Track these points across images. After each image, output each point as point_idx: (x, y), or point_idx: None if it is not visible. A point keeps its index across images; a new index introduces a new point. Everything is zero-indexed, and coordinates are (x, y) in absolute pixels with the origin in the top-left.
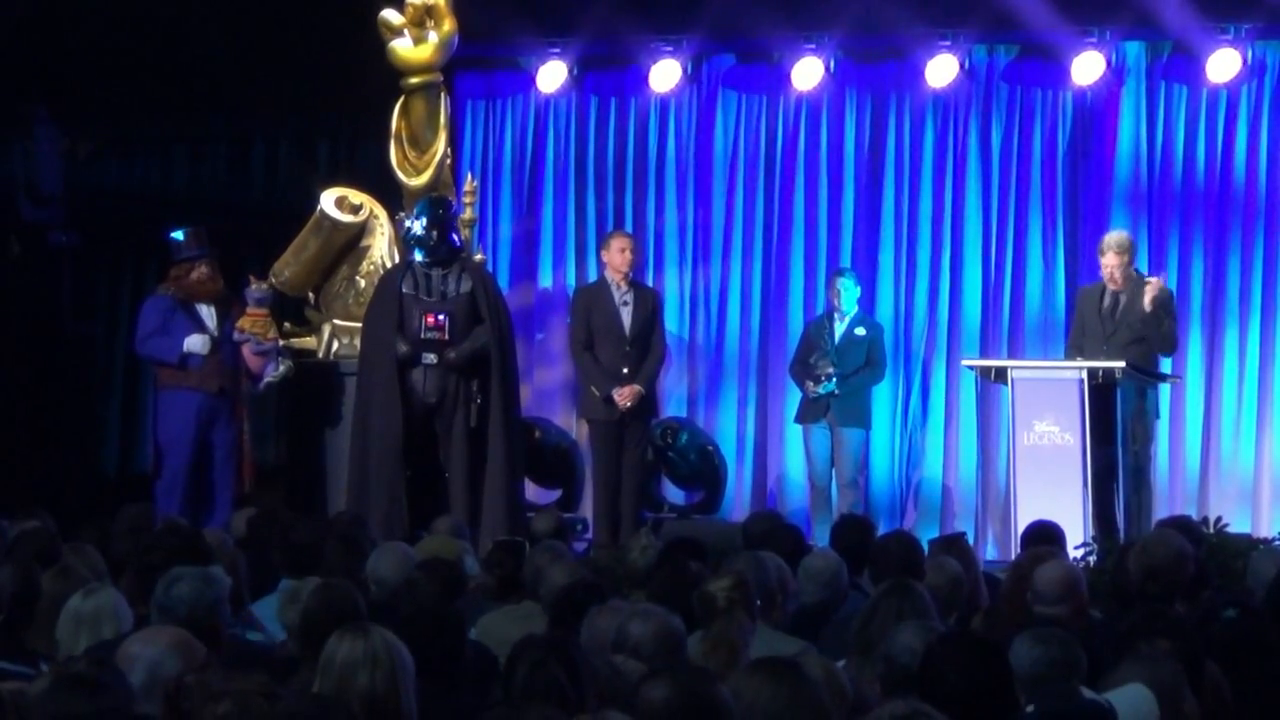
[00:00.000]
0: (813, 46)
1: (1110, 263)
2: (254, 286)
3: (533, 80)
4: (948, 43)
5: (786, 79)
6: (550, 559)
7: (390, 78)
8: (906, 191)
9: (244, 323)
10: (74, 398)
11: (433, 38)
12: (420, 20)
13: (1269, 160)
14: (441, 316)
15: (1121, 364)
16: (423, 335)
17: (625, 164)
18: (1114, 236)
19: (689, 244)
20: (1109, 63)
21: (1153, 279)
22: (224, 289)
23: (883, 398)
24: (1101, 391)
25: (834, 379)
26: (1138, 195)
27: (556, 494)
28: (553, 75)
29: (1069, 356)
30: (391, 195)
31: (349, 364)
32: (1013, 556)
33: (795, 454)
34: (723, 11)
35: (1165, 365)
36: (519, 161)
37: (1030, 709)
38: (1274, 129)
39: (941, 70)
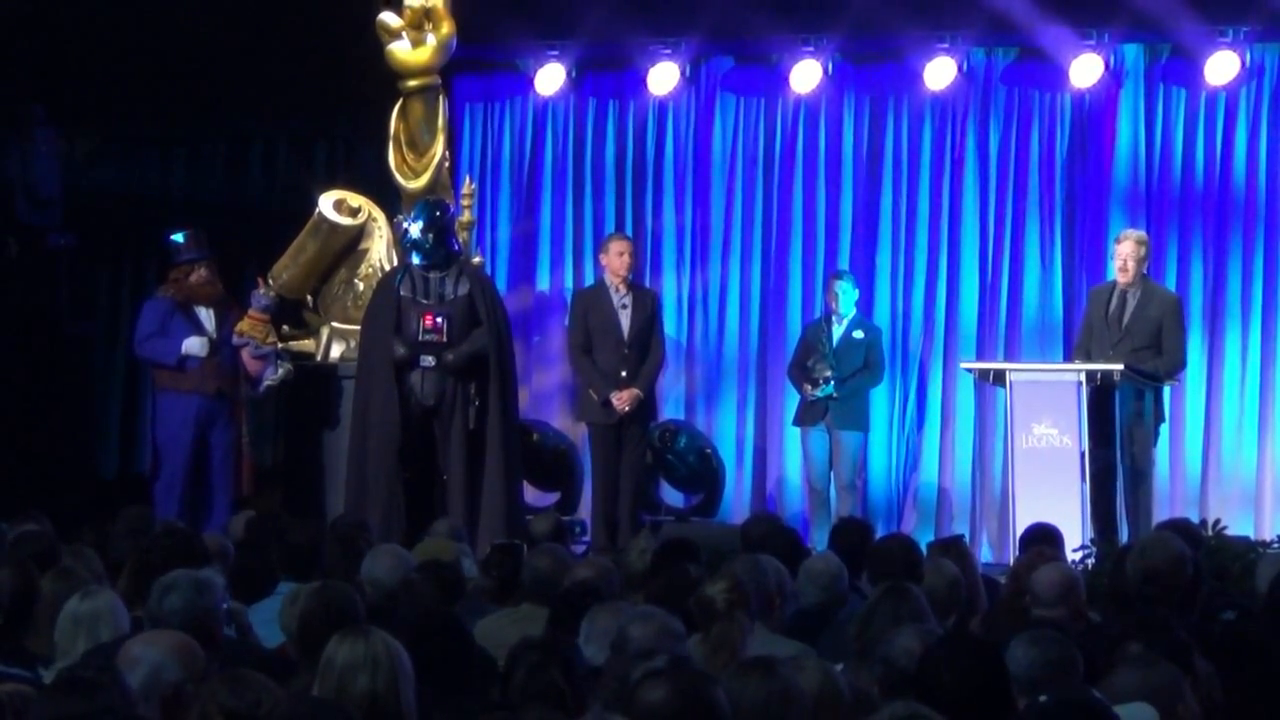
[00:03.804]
0: (811, 49)
1: (1125, 251)
2: (261, 291)
3: (531, 83)
4: (946, 45)
5: (785, 81)
6: (554, 561)
7: (388, 80)
8: (905, 194)
9: (243, 326)
10: (72, 399)
11: (431, 40)
12: (418, 23)
13: (1268, 162)
14: (439, 319)
15: (1120, 366)
16: (420, 337)
17: (624, 166)
18: (1134, 230)
19: (687, 246)
20: (1107, 65)
21: None
22: (223, 292)
23: (880, 400)
24: (1100, 394)
25: (832, 382)
26: (1136, 198)
27: (555, 497)
28: (551, 78)
29: (1075, 359)
30: (390, 198)
31: (347, 366)
32: (1010, 559)
33: (794, 457)
34: (721, 14)
35: None
36: (517, 164)
37: (1042, 698)
38: (1273, 131)
39: (940, 73)
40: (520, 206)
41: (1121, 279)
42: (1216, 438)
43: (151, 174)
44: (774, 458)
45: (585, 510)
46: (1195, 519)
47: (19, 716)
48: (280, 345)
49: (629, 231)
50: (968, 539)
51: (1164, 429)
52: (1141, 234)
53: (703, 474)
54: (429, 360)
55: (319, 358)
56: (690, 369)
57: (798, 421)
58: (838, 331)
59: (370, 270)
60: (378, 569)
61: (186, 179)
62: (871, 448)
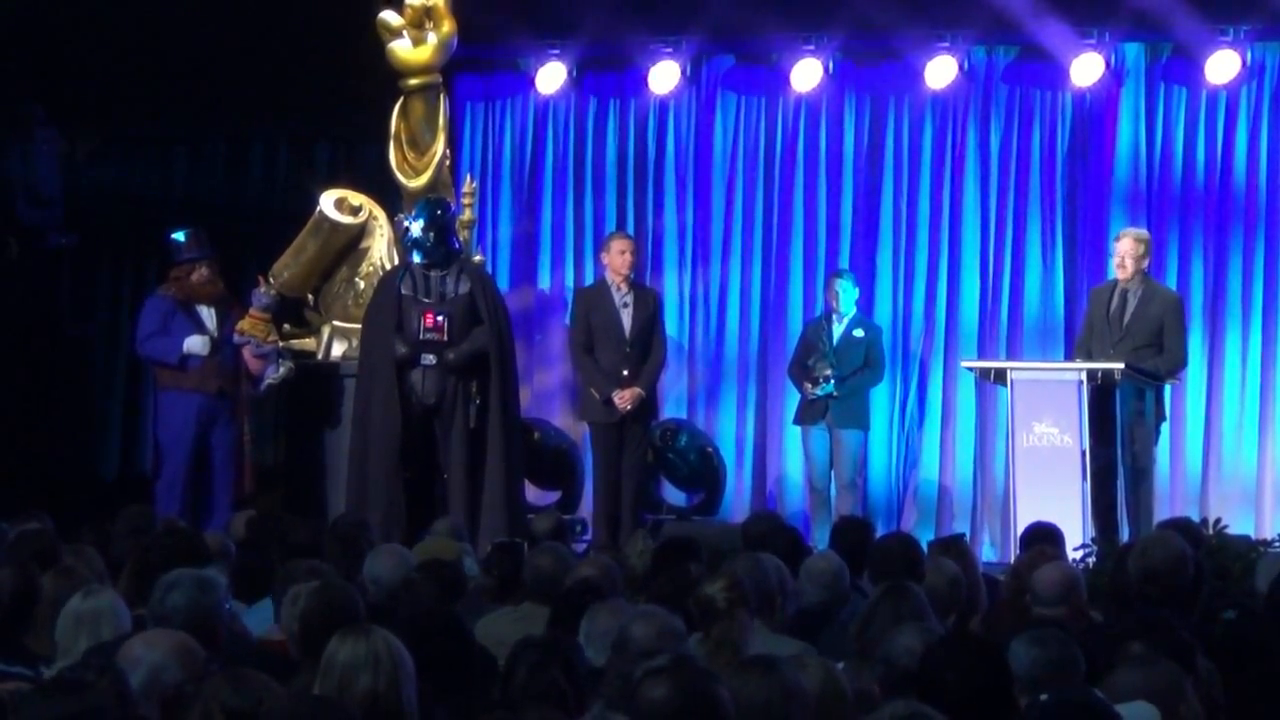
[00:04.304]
0: (811, 48)
1: (1124, 248)
2: (262, 289)
3: (532, 82)
4: (946, 44)
5: (785, 80)
6: (555, 559)
7: (389, 79)
8: (905, 193)
9: (244, 325)
10: (73, 399)
11: (432, 39)
12: (419, 22)
13: (1269, 162)
14: (440, 317)
15: (1121, 365)
16: (421, 336)
17: (625, 165)
18: (1133, 228)
19: (688, 245)
20: (1108, 64)
21: None
22: (224, 291)
23: (881, 399)
24: (1101, 393)
25: (832, 381)
26: (1137, 197)
27: (556, 495)
28: (552, 77)
29: (1076, 358)
30: (391, 197)
31: (348, 365)
32: (1011, 558)
33: (794, 455)
34: (722, 13)
35: None
36: (518, 163)
37: (1043, 697)
38: (1274, 130)
39: (940, 72)
40: (521, 205)
41: (1120, 275)
42: (1217, 437)
43: (152, 174)
44: (774, 456)
45: (586, 509)
46: (1196, 518)
47: (19, 716)
48: (281, 344)
49: (630, 230)
50: (968, 538)
51: (1164, 428)
52: (1141, 232)
53: (704, 473)
54: (430, 359)
55: (320, 356)
56: (691, 368)
57: (798, 420)
58: (838, 330)
59: (371, 269)
60: (379, 568)
61: (187, 178)
62: (872, 446)
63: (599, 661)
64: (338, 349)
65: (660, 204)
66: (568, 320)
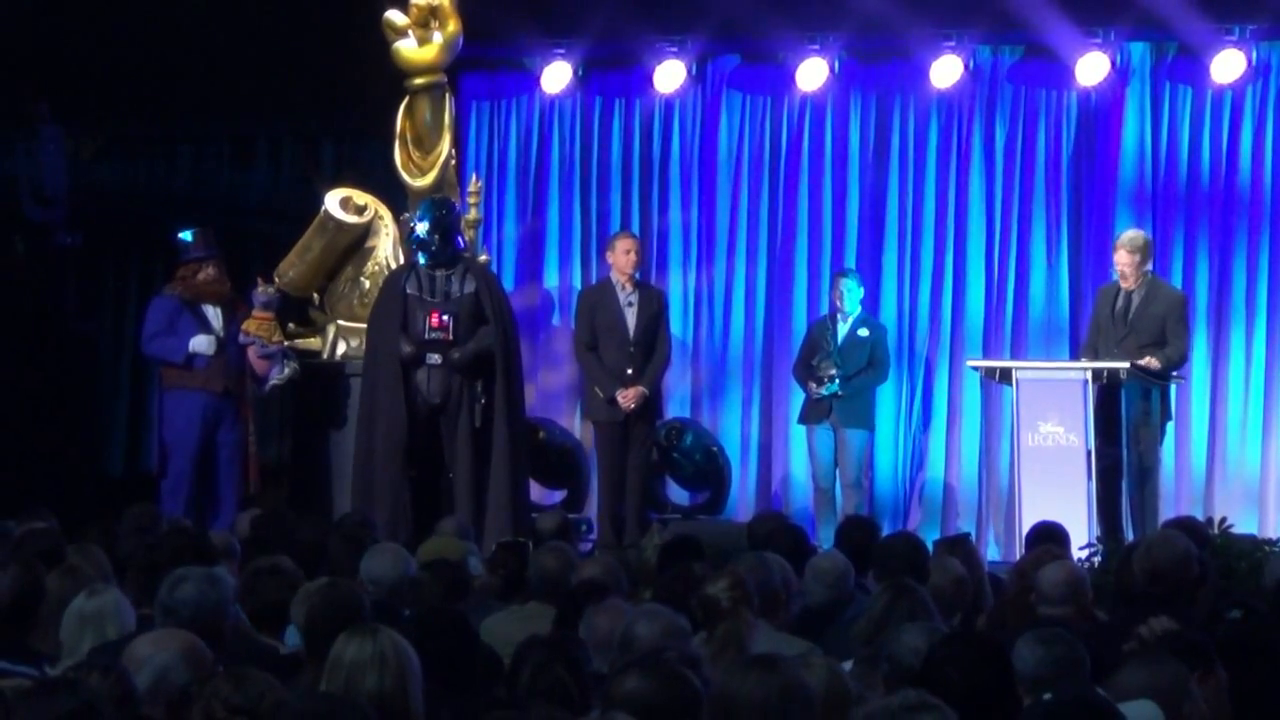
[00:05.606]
0: (817, 47)
1: (1121, 260)
2: (260, 289)
3: (537, 81)
4: (952, 43)
5: (791, 79)
6: (560, 559)
7: (395, 78)
8: (910, 192)
9: (249, 325)
10: (78, 398)
11: (437, 38)
12: (425, 21)
13: (1274, 161)
14: (445, 317)
15: (1126, 364)
16: (427, 336)
17: (630, 164)
18: (1127, 235)
19: (693, 244)
20: (1113, 63)
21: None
22: (230, 290)
23: (886, 398)
24: (1106, 392)
25: (837, 380)
26: (1142, 196)
27: (561, 495)
28: (557, 76)
29: (1083, 356)
30: (396, 196)
31: (354, 365)
32: (1017, 557)
33: (799, 455)
34: (728, 12)
35: None
36: (524, 162)
37: (1047, 696)
38: (1279, 129)
39: (946, 71)
40: (526, 204)
41: (1125, 286)
42: (1221, 436)
43: (157, 173)
44: (779, 456)
45: (592, 508)
46: (1200, 517)
47: (19, 714)
48: (286, 343)
49: (635, 229)
50: (974, 537)
51: (1170, 427)
52: (1133, 236)
53: (709, 472)
54: (435, 358)
55: (325, 356)
56: (696, 367)
57: (803, 419)
58: (843, 329)
59: (376, 268)
60: (377, 567)
61: (192, 177)
62: (878, 446)
63: (596, 664)
64: (343, 348)
65: (665, 203)
66: (572, 319)
